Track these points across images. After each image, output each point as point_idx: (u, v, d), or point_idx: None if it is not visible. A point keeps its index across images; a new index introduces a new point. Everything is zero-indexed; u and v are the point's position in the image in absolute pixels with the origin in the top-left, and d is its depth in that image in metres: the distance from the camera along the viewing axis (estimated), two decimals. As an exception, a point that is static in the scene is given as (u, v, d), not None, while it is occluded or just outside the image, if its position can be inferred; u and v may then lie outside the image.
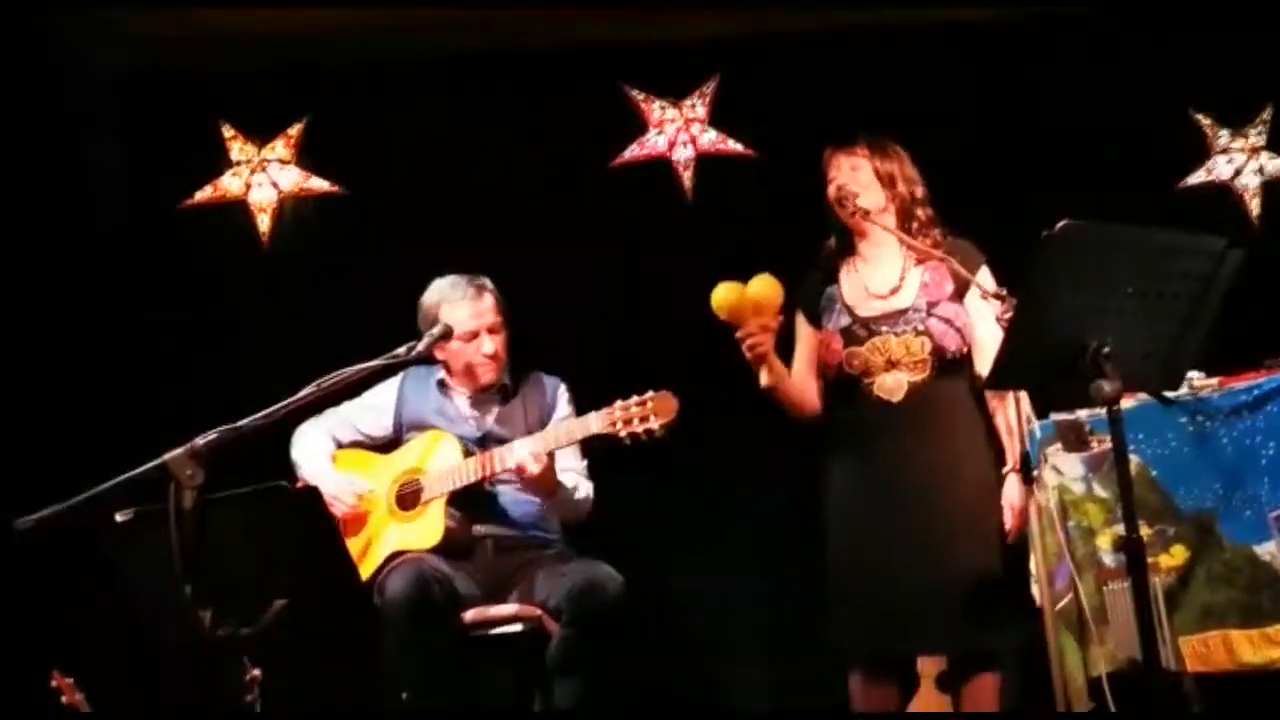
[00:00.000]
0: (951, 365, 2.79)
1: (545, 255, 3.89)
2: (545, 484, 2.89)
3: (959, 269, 2.75)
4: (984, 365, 2.72)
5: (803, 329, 2.92)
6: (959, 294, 2.80)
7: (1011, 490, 2.76)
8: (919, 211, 2.86)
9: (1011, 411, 2.77)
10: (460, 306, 3.01)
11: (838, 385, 2.83)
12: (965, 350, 2.79)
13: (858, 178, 2.86)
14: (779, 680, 3.87)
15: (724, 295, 2.65)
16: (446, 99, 4.02)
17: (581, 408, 2.97)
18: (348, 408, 3.12)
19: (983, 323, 2.77)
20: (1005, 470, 2.77)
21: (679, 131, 4.13)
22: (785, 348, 2.85)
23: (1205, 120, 4.26)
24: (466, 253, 3.21)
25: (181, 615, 1.98)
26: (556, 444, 2.85)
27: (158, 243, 3.94)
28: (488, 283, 3.08)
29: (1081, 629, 3.03)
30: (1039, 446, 3.12)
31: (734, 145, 4.14)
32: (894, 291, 2.84)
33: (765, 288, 2.66)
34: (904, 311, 2.80)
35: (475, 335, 3.02)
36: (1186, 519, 2.97)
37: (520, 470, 2.84)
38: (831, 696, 2.95)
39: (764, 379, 2.75)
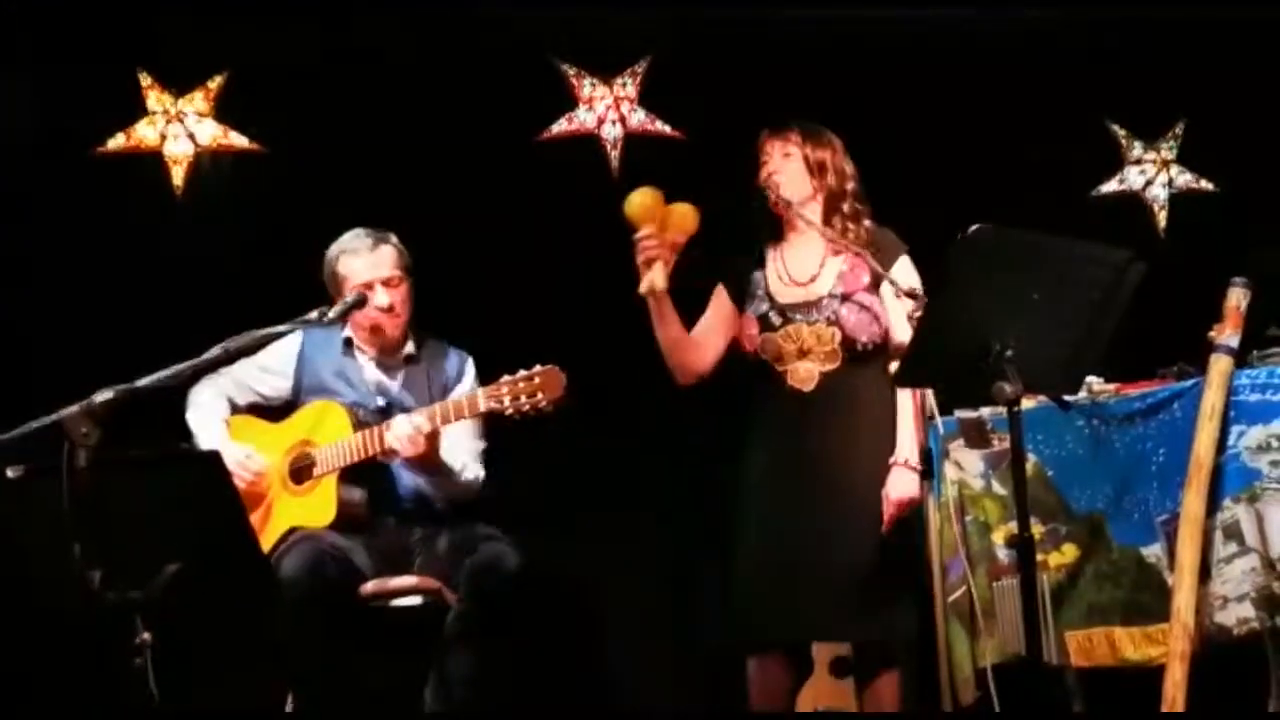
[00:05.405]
0: (862, 355, 2.82)
1: (464, 222, 3.84)
2: (426, 461, 2.84)
3: (874, 265, 2.78)
4: (896, 358, 2.77)
5: (722, 298, 2.95)
6: (875, 285, 2.84)
7: (894, 481, 2.78)
8: (844, 205, 2.88)
9: (910, 407, 2.82)
10: (357, 258, 2.96)
11: (754, 371, 2.86)
12: (879, 340, 2.83)
13: (788, 165, 2.88)
14: (680, 656, 3.91)
15: (641, 196, 2.64)
16: (372, 60, 3.94)
17: (492, 377, 2.94)
18: (244, 368, 3.03)
19: (896, 316, 2.81)
20: (890, 462, 2.80)
21: (609, 109, 4.10)
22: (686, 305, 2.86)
23: (1120, 130, 4.36)
24: (384, 217, 3.15)
25: (71, 576, 1.94)
26: (443, 420, 2.79)
27: (65, 187, 3.81)
28: (391, 236, 3.02)
29: (972, 621, 3.11)
30: (942, 442, 3.19)
31: (663, 126, 4.13)
32: (812, 279, 2.87)
33: (686, 210, 2.66)
34: (819, 300, 2.83)
35: (370, 288, 2.94)
36: (1078, 519, 3.06)
37: (390, 452, 2.79)
38: (731, 674, 2.99)
39: (644, 285, 2.70)
